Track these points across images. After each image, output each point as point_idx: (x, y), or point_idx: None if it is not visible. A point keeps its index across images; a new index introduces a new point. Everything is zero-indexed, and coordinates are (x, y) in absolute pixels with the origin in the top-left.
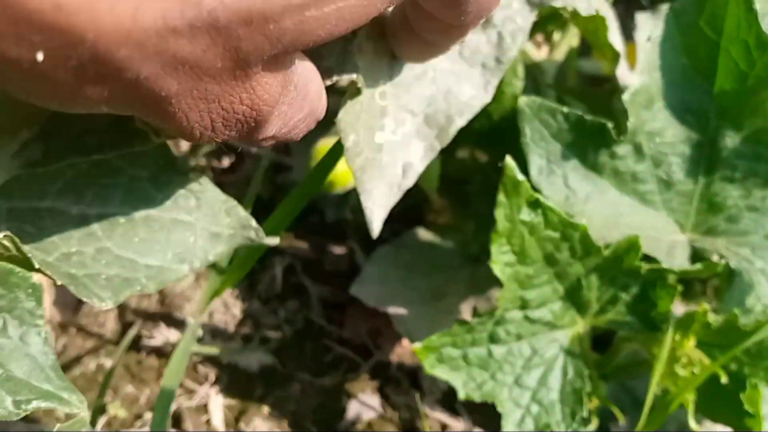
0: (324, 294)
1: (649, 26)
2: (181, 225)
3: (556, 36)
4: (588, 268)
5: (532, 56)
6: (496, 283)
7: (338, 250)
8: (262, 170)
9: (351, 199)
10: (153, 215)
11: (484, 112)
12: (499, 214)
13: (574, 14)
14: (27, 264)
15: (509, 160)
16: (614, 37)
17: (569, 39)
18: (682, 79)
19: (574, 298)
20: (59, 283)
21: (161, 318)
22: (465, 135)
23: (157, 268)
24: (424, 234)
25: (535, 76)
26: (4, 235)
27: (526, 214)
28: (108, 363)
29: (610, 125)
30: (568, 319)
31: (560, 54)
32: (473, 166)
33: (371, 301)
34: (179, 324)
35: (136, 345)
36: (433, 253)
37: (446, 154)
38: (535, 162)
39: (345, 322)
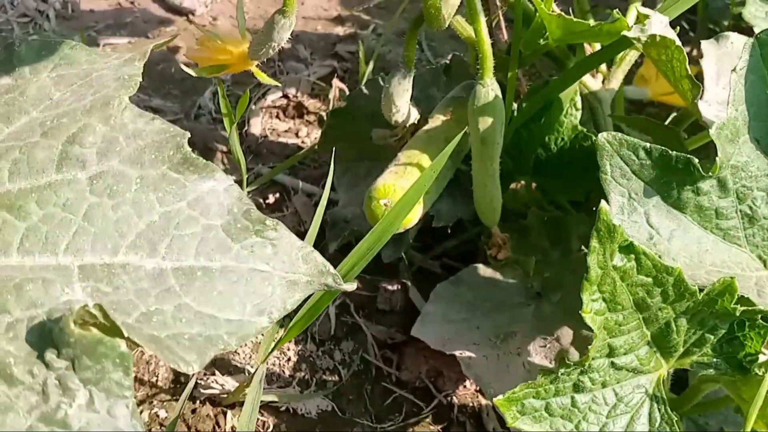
0: (379, 334)
1: (715, 53)
2: (259, 275)
3: (603, 66)
4: (678, 311)
5: (590, 85)
6: (563, 321)
7: (391, 287)
8: (321, 209)
9: (407, 238)
10: (230, 266)
11: (542, 143)
12: (592, 260)
13: (649, 44)
14: (115, 332)
15: (604, 205)
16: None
17: (624, 67)
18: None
19: (660, 342)
20: (148, 351)
21: (215, 365)
22: (522, 166)
23: (237, 322)
24: (483, 270)
25: (592, 106)
26: (94, 304)
27: (618, 260)
28: (162, 412)
29: (695, 160)
30: (653, 363)
31: (616, 82)
32: (529, 199)
33: (435, 343)
34: (234, 371)
35: (189, 393)
36: (494, 290)
37: (503, 185)
38: (616, 200)
39: (403, 362)
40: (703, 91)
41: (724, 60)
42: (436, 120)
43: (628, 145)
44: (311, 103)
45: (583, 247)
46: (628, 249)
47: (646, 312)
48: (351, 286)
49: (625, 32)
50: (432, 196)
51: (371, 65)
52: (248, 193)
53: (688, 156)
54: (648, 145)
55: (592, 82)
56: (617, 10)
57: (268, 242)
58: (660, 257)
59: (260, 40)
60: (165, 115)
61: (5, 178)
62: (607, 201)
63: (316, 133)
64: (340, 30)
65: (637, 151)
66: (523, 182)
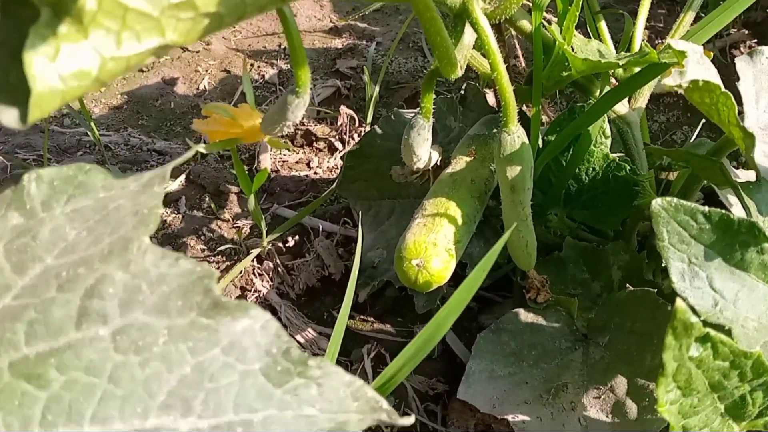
0: (420, 385)
1: (750, 72)
2: (304, 420)
3: None
4: (755, 386)
5: (617, 109)
6: (614, 367)
7: None
8: (365, 279)
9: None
10: (272, 416)
11: (573, 175)
12: (668, 356)
13: (690, 89)
14: None
15: (680, 303)
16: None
17: (650, 85)
18: None
19: (734, 412)
20: None
21: None
22: (552, 198)
23: None
24: (524, 315)
25: (621, 130)
26: None
27: (694, 350)
28: None
29: (759, 224)
30: (725, 428)
31: (643, 100)
32: (562, 227)
33: (484, 406)
34: None
35: None
36: (537, 336)
37: (537, 221)
38: (676, 266)
39: (449, 416)
40: (743, 115)
41: (761, 78)
42: (460, 161)
43: (685, 210)
44: (319, 129)
45: (628, 286)
46: (704, 339)
47: (721, 392)
48: (408, 420)
49: (663, 81)
50: (463, 244)
51: (378, 86)
52: (269, 243)
53: (752, 221)
54: (707, 209)
55: (618, 105)
56: (648, 37)
57: (313, 382)
58: (730, 327)
59: (273, 118)
60: (171, 157)
61: (21, 342)
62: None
63: (328, 162)
64: (338, 42)
65: (695, 215)
66: (558, 214)
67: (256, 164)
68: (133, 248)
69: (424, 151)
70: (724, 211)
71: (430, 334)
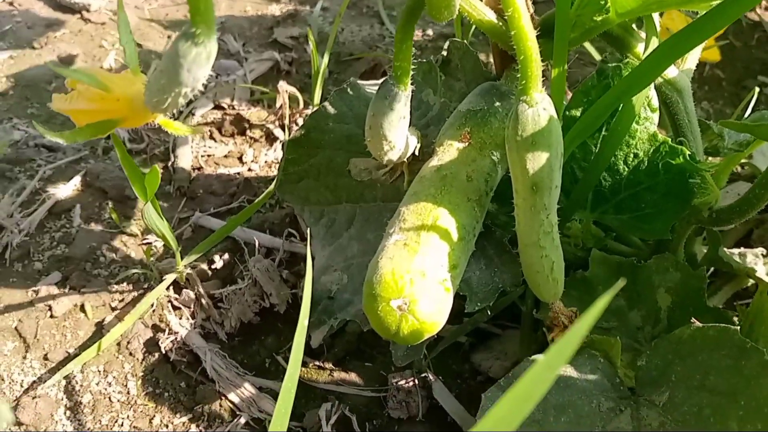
0: None
1: None
2: None
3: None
4: None
5: (666, 72)
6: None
7: (406, 383)
8: (318, 315)
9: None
10: None
11: (609, 165)
12: None
13: None
14: None
15: None
16: None
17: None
18: None
19: None
20: None
21: None
22: (577, 199)
23: None
24: None
25: (669, 100)
26: None
27: None
28: None
29: None
30: None
31: (693, 60)
32: (587, 238)
33: None
34: None
35: None
36: (568, 395)
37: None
38: None
39: None
40: None
41: None
42: (448, 149)
43: None
44: (253, 114)
45: (695, 321)
46: None
47: None
48: None
49: None
50: (461, 270)
51: (326, 57)
52: (188, 265)
53: None
54: None
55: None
56: None
57: None
58: None
59: (159, 84)
60: (65, 155)
61: None
62: None
63: (266, 155)
64: (275, 8)
65: None
66: (583, 220)
67: (172, 160)
68: None
69: (399, 135)
70: None
71: None
